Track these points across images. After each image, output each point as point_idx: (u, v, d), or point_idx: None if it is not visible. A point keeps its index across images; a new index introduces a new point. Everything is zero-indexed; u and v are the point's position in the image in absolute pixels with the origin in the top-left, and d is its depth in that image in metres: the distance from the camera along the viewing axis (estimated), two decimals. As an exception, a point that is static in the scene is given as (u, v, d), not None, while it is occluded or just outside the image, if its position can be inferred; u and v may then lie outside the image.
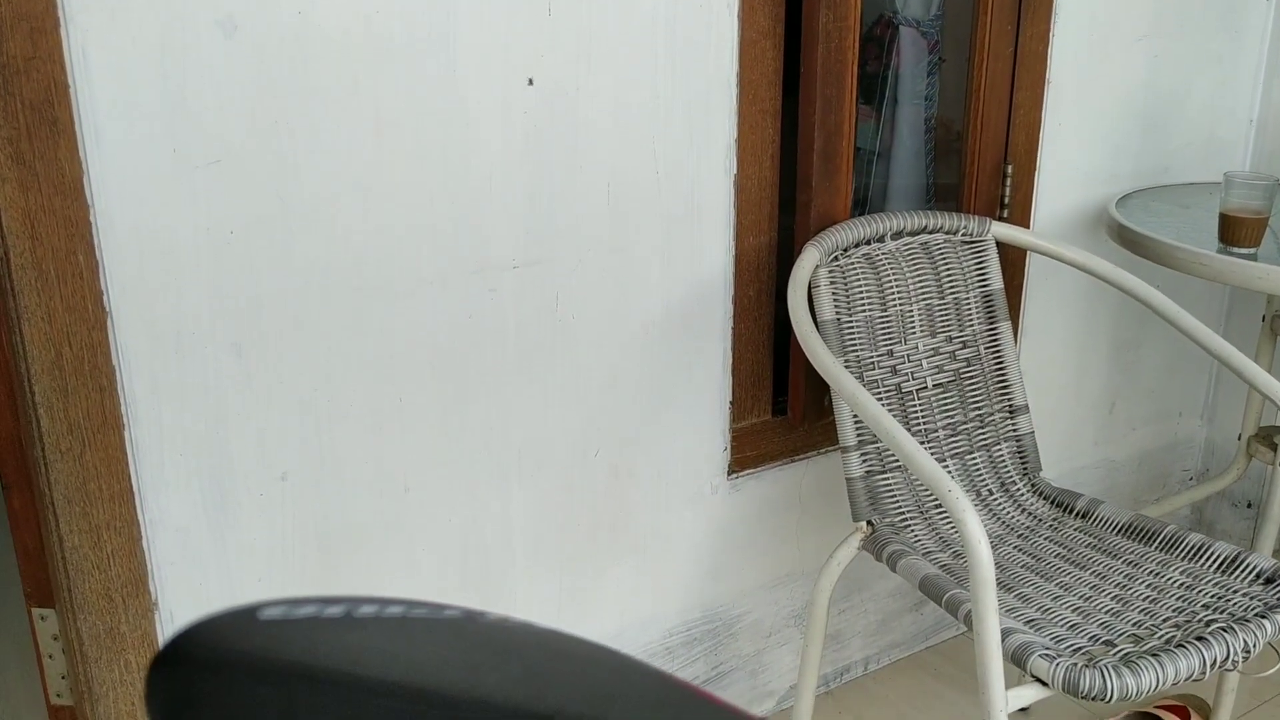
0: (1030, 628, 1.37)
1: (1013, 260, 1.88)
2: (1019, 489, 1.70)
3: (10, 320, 1.16)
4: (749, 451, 1.72)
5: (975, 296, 1.69)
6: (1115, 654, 1.32)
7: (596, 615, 1.68)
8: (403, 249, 1.34)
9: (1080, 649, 1.34)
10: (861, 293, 1.60)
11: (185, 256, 1.22)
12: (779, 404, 1.75)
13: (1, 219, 1.11)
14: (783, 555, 1.84)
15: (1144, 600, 1.44)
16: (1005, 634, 1.31)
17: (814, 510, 1.84)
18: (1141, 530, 1.57)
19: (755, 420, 1.72)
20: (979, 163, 1.81)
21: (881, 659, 2.05)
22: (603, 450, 1.58)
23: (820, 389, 1.73)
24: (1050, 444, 2.09)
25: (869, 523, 1.57)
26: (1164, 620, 1.39)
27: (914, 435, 1.62)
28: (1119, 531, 1.59)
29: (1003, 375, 1.71)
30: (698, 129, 1.52)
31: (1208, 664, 1.30)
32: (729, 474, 1.72)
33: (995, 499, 1.68)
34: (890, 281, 1.63)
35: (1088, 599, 1.45)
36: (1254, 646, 1.34)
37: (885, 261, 1.63)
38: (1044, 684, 1.28)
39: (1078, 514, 1.65)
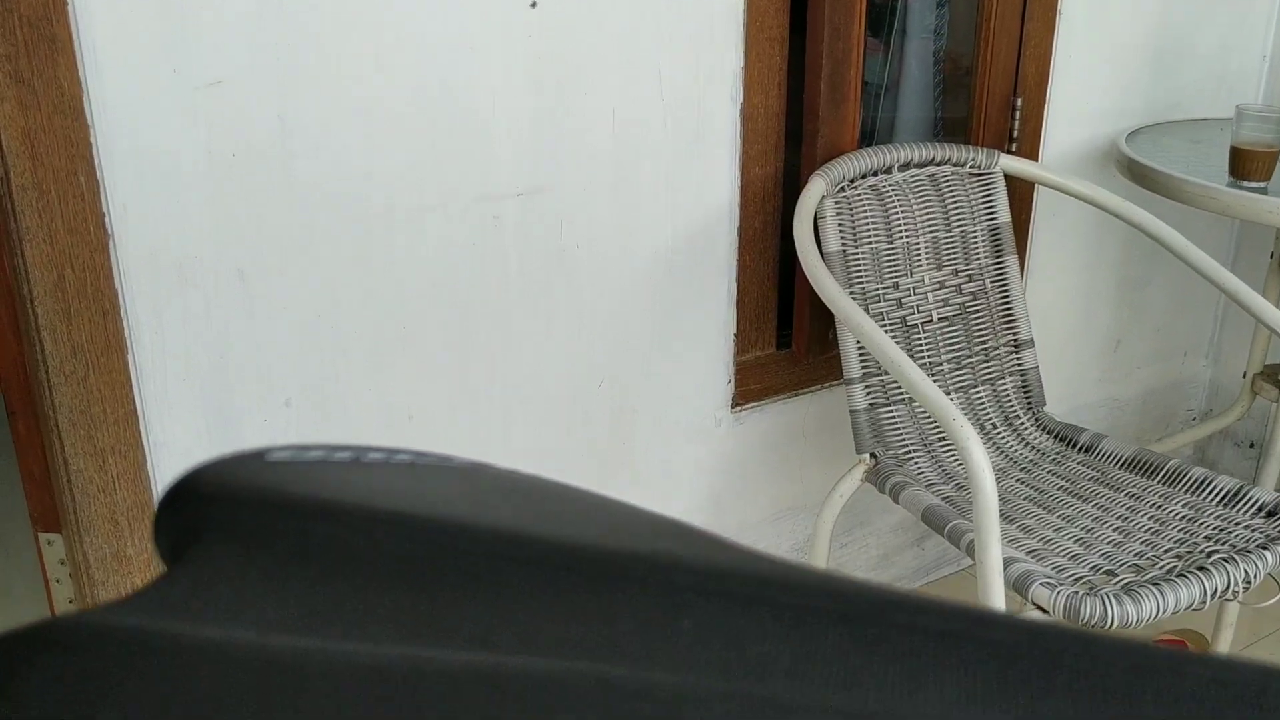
0: (1032, 557, 1.37)
1: (1021, 194, 1.87)
2: (1022, 423, 1.70)
3: (12, 242, 1.15)
4: (753, 385, 1.72)
5: (982, 230, 1.68)
6: (1116, 583, 1.33)
7: (600, 546, 1.68)
8: (405, 174, 1.33)
9: (1081, 578, 1.35)
10: (868, 224, 1.59)
11: (186, 179, 1.20)
12: (783, 337, 1.74)
13: (1, 138, 1.09)
14: (786, 489, 1.84)
15: (1146, 532, 1.45)
16: (1007, 563, 1.32)
17: (817, 444, 1.84)
18: (1145, 464, 1.58)
19: (759, 353, 1.71)
20: (988, 96, 1.79)
21: (882, 594, 2.06)
22: (606, 381, 1.58)
23: (825, 322, 1.72)
24: (1054, 381, 2.08)
25: (872, 455, 1.57)
26: (1165, 551, 1.40)
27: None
28: (1122, 465, 1.60)
29: (1008, 309, 1.70)
30: (704, 56, 1.50)
31: (1209, 593, 1.31)
32: (733, 407, 1.72)
33: (999, 432, 1.68)
34: (897, 213, 1.61)
35: (1090, 530, 1.46)
36: (1255, 577, 1.35)
37: (892, 193, 1.61)
38: (1045, 612, 1.29)
39: (1081, 448, 1.65)
